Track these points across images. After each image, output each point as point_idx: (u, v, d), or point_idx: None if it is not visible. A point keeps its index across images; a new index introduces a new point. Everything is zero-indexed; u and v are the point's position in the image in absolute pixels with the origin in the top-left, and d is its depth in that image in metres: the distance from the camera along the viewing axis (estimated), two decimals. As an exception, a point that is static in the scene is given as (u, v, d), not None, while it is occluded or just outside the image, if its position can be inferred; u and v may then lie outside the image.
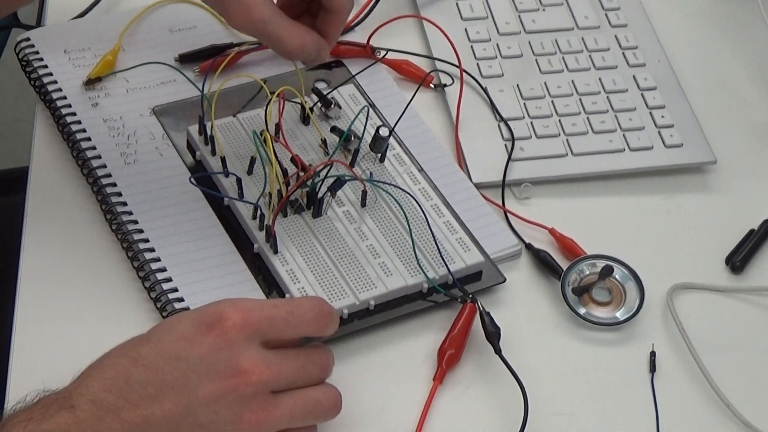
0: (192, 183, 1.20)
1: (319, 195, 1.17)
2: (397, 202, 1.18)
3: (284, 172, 1.17)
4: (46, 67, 1.31)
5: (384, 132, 1.23)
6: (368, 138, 1.24)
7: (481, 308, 1.13)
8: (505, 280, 1.18)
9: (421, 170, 1.24)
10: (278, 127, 1.22)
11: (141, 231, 1.17)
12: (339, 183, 1.18)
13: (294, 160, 1.19)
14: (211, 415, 0.96)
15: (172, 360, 0.96)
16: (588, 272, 1.19)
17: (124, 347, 0.98)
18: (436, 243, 1.16)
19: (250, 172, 1.21)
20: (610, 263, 1.18)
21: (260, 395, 0.97)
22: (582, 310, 1.16)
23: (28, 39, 1.34)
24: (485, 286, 1.17)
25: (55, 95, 1.28)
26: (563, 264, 1.19)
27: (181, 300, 1.13)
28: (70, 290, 1.16)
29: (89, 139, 1.24)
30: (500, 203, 1.24)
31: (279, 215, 1.17)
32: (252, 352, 0.97)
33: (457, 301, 1.14)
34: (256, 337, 0.98)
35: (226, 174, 1.20)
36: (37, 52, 1.32)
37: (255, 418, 0.97)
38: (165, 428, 0.95)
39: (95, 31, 1.35)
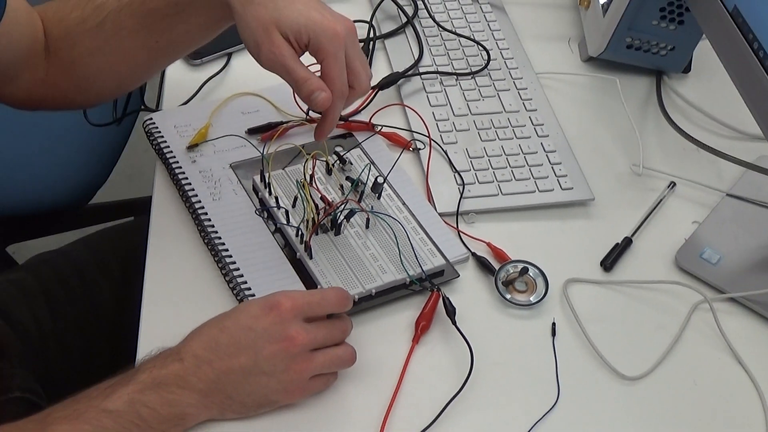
0: (257, 214, 1.19)
1: (339, 221, 1.17)
2: (389, 225, 1.18)
3: (316, 206, 1.16)
4: (162, 136, 1.29)
5: (380, 180, 1.22)
6: (370, 184, 1.23)
7: (443, 294, 1.12)
8: (459, 275, 1.16)
9: (404, 204, 1.23)
10: (311, 177, 1.21)
11: (224, 244, 1.16)
12: (351, 213, 1.17)
13: (322, 198, 1.18)
14: (271, 366, 0.98)
15: (246, 330, 0.98)
16: (512, 271, 1.17)
17: (214, 321, 1.00)
18: (414, 251, 1.16)
19: (293, 206, 1.20)
20: (526, 265, 1.17)
21: (302, 353, 0.99)
22: (508, 296, 1.15)
23: (151, 119, 1.32)
24: (445, 279, 1.16)
25: (168, 155, 1.27)
26: (496, 266, 1.18)
27: (249, 289, 1.11)
28: (178, 283, 1.16)
29: (190, 183, 1.23)
30: (455, 226, 1.23)
31: (313, 234, 1.16)
32: (297, 326, 0.99)
33: (427, 290, 1.13)
34: (300, 315, 1.00)
35: (278, 207, 1.19)
36: (157, 127, 1.31)
37: (299, 368, 0.99)
38: (240, 374, 0.98)
39: (194, 113, 1.33)
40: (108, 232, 1.54)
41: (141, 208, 2.02)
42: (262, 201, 1.22)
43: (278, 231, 1.19)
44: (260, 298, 1.02)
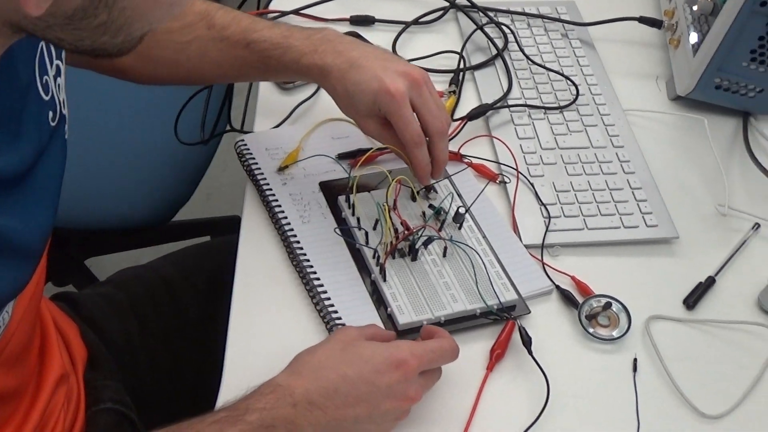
0: (335, 232, 1.24)
1: (416, 247, 1.20)
2: (467, 255, 1.21)
3: (396, 230, 1.20)
4: (254, 158, 1.34)
5: (461, 210, 1.25)
6: (452, 213, 1.26)
7: (519, 324, 1.15)
8: (530, 312, 1.19)
9: (484, 237, 1.26)
10: (395, 201, 1.24)
11: (312, 267, 1.20)
12: (429, 240, 1.21)
13: (403, 223, 1.22)
14: (382, 418, 1.03)
15: (368, 384, 1.01)
16: (595, 305, 1.20)
17: (333, 363, 1.02)
18: (490, 283, 1.19)
19: (374, 228, 1.24)
20: (610, 300, 1.20)
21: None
22: (591, 330, 1.18)
23: (243, 140, 1.37)
24: (516, 315, 1.18)
25: (259, 177, 1.31)
26: (579, 299, 1.21)
27: (336, 312, 1.16)
28: (265, 302, 1.20)
29: (280, 206, 1.27)
30: (540, 258, 1.26)
31: (389, 257, 1.20)
32: (417, 384, 1.05)
33: (502, 320, 1.16)
34: (420, 371, 1.05)
35: (359, 228, 1.24)
36: (249, 149, 1.35)
37: (404, 416, 1.06)
38: (351, 423, 1.01)
39: (285, 137, 1.38)
40: (192, 250, 1.59)
41: (220, 227, 2.08)
42: (344, 221, 1.27)
43: (357, 252, 1.23)
44: (384, 349, 1.04)
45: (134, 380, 1.33)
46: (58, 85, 1.03)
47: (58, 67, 1.04)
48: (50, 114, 1.00)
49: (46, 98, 0.99)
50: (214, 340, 1.19)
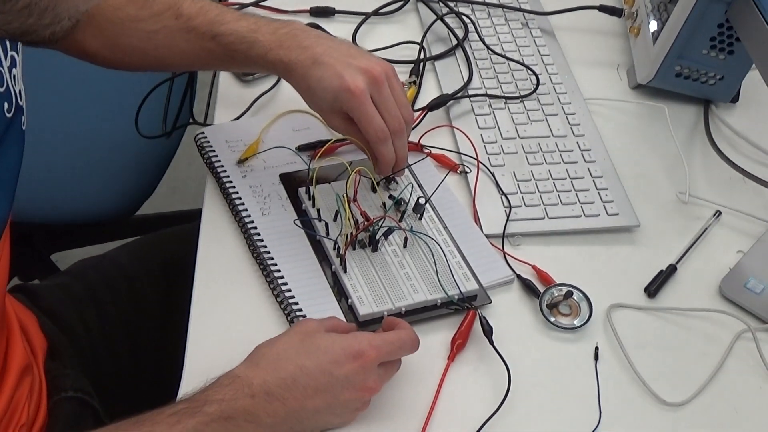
0: (295, 224, 1.23)
1: (377, 237, 1.19)
2: (427, 245, 1.20)
3: (356, 221, 1.20)
4: (214, 151, 1.33)
5: (422, 200, 1.24)
6: (412, 204, 1.25)
7: (480, 314, 1.15)
8: (491, 301, 1.19)
9: (445, 227, 1.25)
10: (354, 192, 1.23)
11: (272, 258, 1.19)
12: (389, 231, 1.20)
13: (363, 214, 1.21)
14: (342, 409, 1.03)
15: (326, 374, 1.00)
16: (556, 294, 1.19)
17: (291, 355, 1.02)
18: (451, 273, 1.18)
19: (335, 220, 1.23)
20: (571, 289, 1.19)
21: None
22: (552, 319, 1.17)
23: (203, 133, 1.36)
24: (478, 305, 1.17)
25: (219, 169, 1.30)
26: (541, 288, 1.20)
27: (297, 304, 1.15)
28: (226, 295, 1.18)
29: (240, 198, 1.26)
30: (501, 247, 1.25)
31: (349, 248, 1.19)
32: (376, 375, 1.03)
33: (462, 311, 1.16)
34: (379, 362, 1.04)
35: (319, 220, 1.23)
36: (209, 141, 1.34)
37: (364, 407, 1.06)
38: (311, 413, 1.01)
39: (245, 129, 1.36)
40: (151, 239, 1.59)
41: (185, 220, 2.05)
42: (305, 212, 1.26)
43: (318, 244, 1.22)
44: (343, 340, 1.03)
45: (95, 368, 1.33)
46: (14, 76, 1.03)
47: (13, 58, 1.03)
48: (5, 105, 0.99)
49: (1, 90, 0.98)
50: (175, 327, 1.19)
